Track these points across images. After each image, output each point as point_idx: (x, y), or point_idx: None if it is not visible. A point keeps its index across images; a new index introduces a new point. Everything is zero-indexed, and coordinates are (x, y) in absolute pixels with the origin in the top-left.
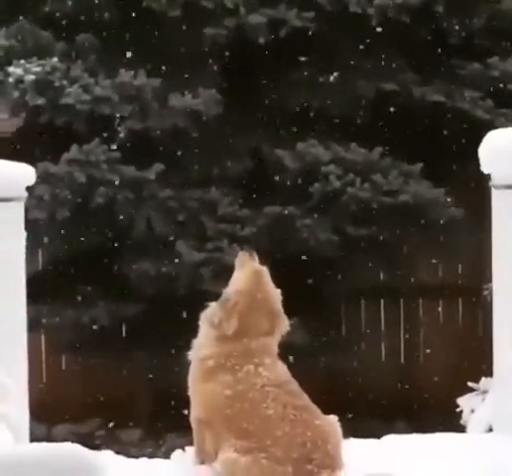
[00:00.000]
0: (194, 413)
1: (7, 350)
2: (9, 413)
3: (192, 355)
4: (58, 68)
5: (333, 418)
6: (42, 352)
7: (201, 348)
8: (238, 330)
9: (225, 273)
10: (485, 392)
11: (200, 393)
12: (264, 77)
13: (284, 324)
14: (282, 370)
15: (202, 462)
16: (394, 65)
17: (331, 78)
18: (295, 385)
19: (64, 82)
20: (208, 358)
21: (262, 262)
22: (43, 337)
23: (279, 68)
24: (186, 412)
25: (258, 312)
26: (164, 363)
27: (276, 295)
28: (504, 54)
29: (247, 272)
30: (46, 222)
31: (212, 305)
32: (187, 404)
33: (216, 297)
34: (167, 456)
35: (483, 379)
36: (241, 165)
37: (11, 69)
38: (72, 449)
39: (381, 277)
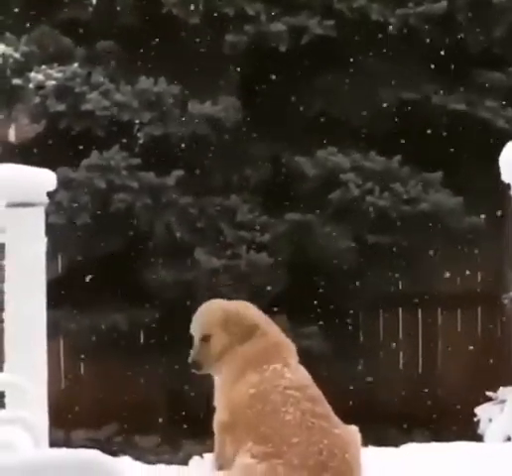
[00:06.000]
0: (219, 417)
1: (27, 355)
2: (29, 417)
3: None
4: (78, 74)
5: (354, 429)
6: (61, 357)
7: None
8: (260, 325)
9: (244, 280)
10: (503, 401)
11: (228, 395)
12: (284, 85)
13: None
14: (304, 374)
15: (221, 468)
16: (414, 74)
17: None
18: (316, 391)
19: (85, 88)
20: (239, 358)
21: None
22: (62, 342)
23: (299, 76)
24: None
25: (260, 316)
26: (182, 369)
27: None
28: None
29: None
30: (66, 228)
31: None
32: (204, 410)
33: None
34: (184, 463)
35: (501, 388)
36: (261, 172)
37: (32, 75)
38: (93, 455)
39: (400, 285)
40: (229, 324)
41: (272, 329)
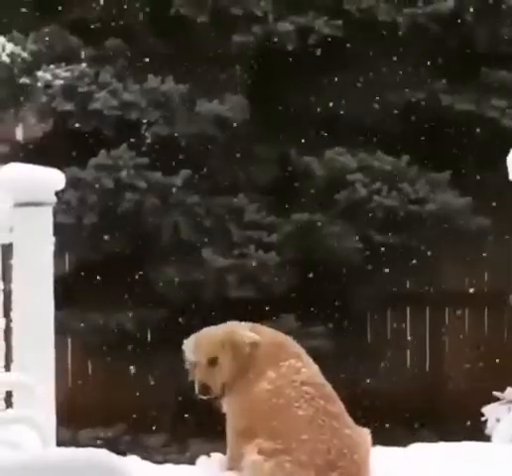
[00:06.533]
0: (235, 422)
1: (35, 354)
2: (36, 417)
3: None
4: (86, 74)
5: (365, 431)
6: (68, 357)
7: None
8: (258, 340)
9: (251, 279)
10: (511, 401)
11: (245, 399)
12: (292, 84)
13: None
14: (317, 369)
15: (231, 469)
16: (422, 74)
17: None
18: (331, 390)
19: (93, 88)
20: (251, 371)
21: None
22: (69, 342)
23: (307, 76)
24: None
25: (249, 328)
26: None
27: None
28: None
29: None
30: (73, 227)
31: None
32: (212, 409)
33: (242, 303)
34: (191, 462)
35: (509, 388)
36: (268, 171)
37: (39, 74)
38: (100, 454)
39: (407, 285)
40: (233, 348)
41: (267, 334)
